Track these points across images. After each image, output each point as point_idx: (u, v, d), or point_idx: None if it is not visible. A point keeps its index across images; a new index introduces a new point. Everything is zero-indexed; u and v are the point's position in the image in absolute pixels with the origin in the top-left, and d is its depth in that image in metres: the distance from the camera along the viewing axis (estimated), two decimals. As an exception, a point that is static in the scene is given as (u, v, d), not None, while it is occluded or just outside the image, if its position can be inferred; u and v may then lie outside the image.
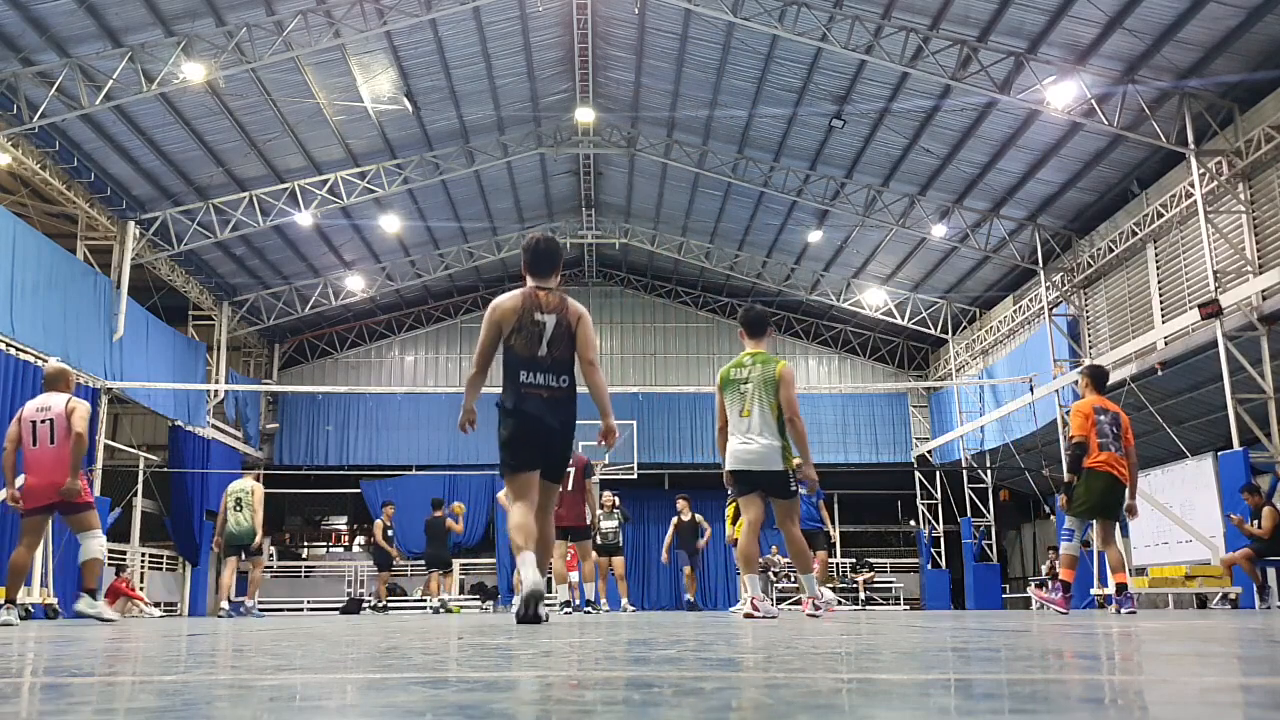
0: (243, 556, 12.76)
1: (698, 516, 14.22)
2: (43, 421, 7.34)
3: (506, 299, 5.20)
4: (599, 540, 12.40)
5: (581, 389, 5.17)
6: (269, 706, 1.50)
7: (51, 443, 7.29)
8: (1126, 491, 8.22)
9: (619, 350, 25.10)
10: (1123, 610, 8.03)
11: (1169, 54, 12.67)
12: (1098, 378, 8.59)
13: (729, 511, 12.07)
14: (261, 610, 12.91)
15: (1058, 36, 13.03)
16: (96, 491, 15.33)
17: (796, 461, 6.67)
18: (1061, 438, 16.90)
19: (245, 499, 12.75)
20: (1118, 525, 8.44)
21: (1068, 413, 16.65)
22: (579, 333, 5.18)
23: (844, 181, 18.28)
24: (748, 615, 6.84)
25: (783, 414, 6.53)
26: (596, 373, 5.20)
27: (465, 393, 5.33)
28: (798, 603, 16.00)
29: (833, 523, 14.38)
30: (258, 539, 12.73)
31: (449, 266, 22.43)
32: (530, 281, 5.25)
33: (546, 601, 5.08)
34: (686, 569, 14.11)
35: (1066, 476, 8.32)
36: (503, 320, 5.14)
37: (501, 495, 9.99)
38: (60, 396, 7.49)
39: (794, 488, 6.64)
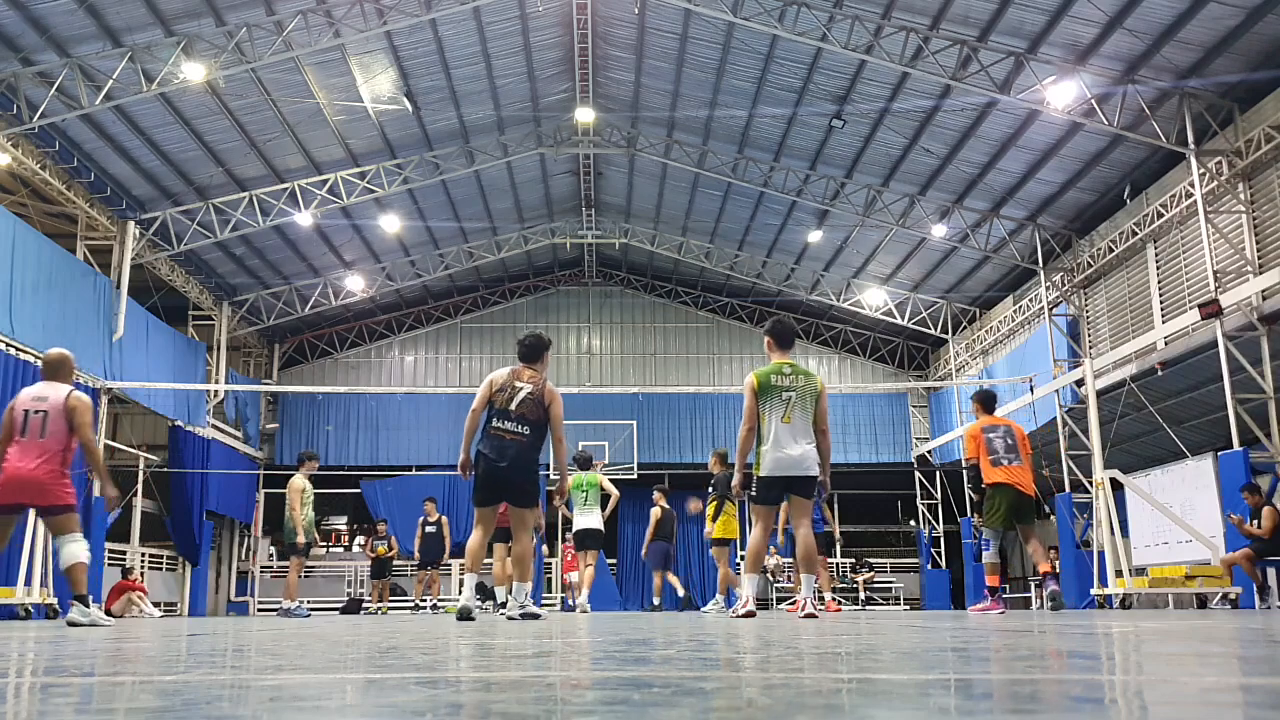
0: (307, 554, 12.82)
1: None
2: (37, 412, 6.68)
3: (499, 372, 7.07)
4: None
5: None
6: (269, 706, 1.50)
7: (42, 435, 6.63)
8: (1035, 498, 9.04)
9: (619, 350, 25.10)
10: (1046, 594, 8.89)
11: (1169, 54, 12.67)
12: (985, 401, 9.41)
13: (709, 509, 12.01)
14: (309, 610, 12.83)
15: (1058, 36, 13.02)
16: (96, 491, 15.33)
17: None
18: (1061, 438, 16.92)
19: (287, 497, 12.73)
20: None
21: (1069, 410, 16.81)
22: (552, 411, 6.92)
23: (844, 181, 18.27)
24: (748, 614, 6.90)
25: (818, 424, 6.87)
26: (562, 445, 7.06)
27: (465, 438, 6.90)
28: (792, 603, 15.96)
29: (834, 522, 14.16)
30: (299, 537, 12.64)
31: (449, 266, 22.42)
32: (520, 364, 7.11)
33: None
34: (668, 573, 13.69)
35: (975, 496, 9.20)
36: (494, 382, 6.95)
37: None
38: (60, 387, 6.86)
39: (818, 492, 6.98)
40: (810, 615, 6.78)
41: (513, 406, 6.80)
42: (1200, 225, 13.54)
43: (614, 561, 22.78)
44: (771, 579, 20.21)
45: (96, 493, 6.98)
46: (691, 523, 17.01)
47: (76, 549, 6.70)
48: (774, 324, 7.16)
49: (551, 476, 7.03)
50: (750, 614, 6.92)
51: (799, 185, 18.52)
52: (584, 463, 12.58)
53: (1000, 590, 9.21)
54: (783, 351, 7.03)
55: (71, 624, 6.52)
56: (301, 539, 12.82)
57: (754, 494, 6.92)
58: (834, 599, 12.42)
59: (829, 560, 13.29)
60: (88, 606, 6.66)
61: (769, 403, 6.79)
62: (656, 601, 13.73)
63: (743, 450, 6.90)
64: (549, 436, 7.05)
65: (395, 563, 18.45)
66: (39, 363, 7.09)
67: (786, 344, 7.06)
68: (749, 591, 7.05)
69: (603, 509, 12.26)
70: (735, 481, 7.07)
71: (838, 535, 12.89)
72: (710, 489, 12.05)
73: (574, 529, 12.51)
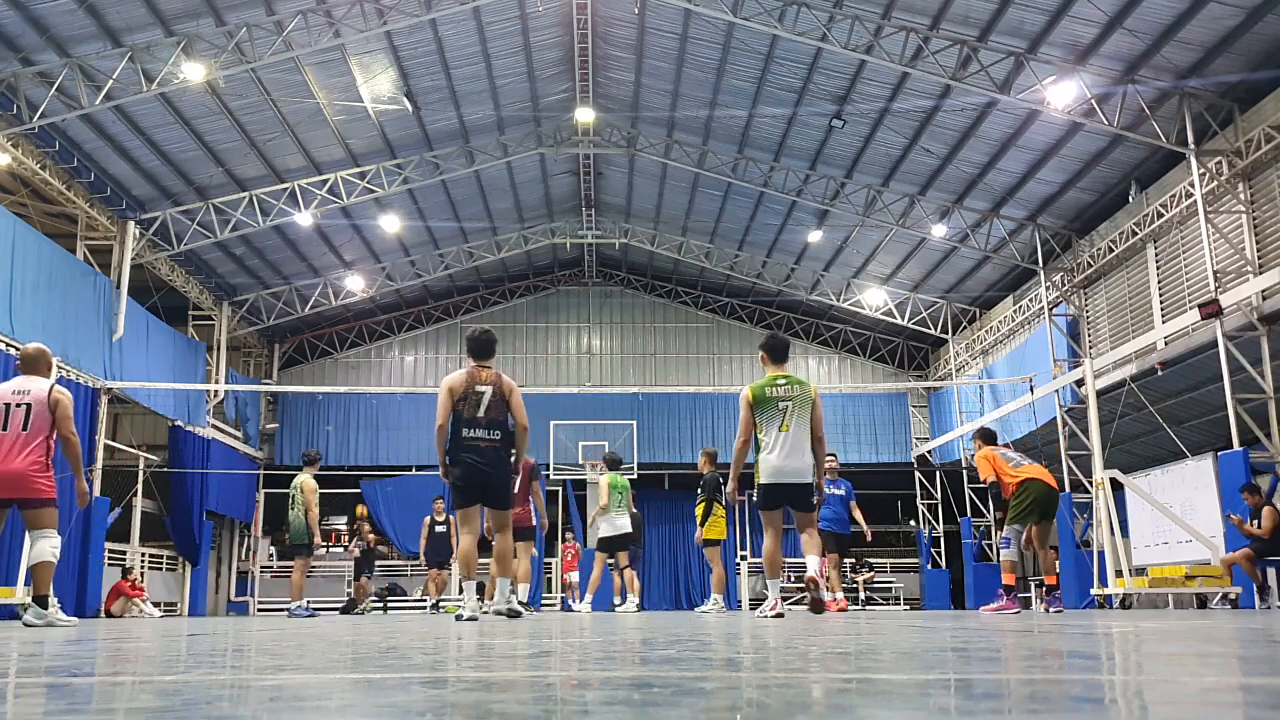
0: (310, 554, 12.81)
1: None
2: (18, 405, 6.61)
3: (454, 377, 6.89)
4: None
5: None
6: (269, 706, 1.50)
7: (24, 428, 6.56)
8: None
9: (619, 350, 25.09)
10: (1051, 610, 9.08)
11: (1169, 54, 12.67)
12: (989, 437, 10.03)
13: (699, 511, 12.01)
14: (310, 610, 12.78)
15: (1058, 36, 13.02)
16: (96, 491, 15.33)
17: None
18: (1061, 438, 16.91)
19: (296, 496, 12.68)
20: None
21: (1069, 410, 16.80)
22: (512, 401, 6.90)
23: (844, 181, 18.27)
24: (778, 616, 7.09)
25: (814, 431, 7.07)
26: (525, 435, 7.01)
27: (437, 447, 6.86)
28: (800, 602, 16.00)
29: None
30: (316, 538, 12.61)
31: (449, 266, 22.42)
32: (471, 362, 6.99)
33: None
34: (627, 571, 13.59)
35: (999, 514, 9.56)
36: (453, 390, 6.80)
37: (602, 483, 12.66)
38: (41, 381, 6.79)
39: (814, 499, 7.21)
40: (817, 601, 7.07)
41: (481, 414, 6.80)
42: (1200, 225, 13.54)
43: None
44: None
45: (85, 491, 6.89)
46: (690, 522, 16.96)
47: (46, 547, 6.56)
48: (769, 339, 7.45)
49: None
50: (780, 615, 7.13)
51: (799, 185, 18.52)
52: (614, 463, 12.58)
53: (1014, 589, 9.37)
54: (777, 365, 7.29)
55: (27, 625, 6.38)
56: (319, 539, 12.85)
57: (756, 500, 7.13)
58: (834, 598, 12.39)
59: (842, 559, 13.51)
60: (46, 608, 6.50)
61: (766, 414, 7.03)
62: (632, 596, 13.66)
63: (737, 461, 7.17)
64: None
65: (395, 563, 18.41)
66: (16, 356, 6.98)
67: (781, 358, 7.32)
68: (775, 594, 7.28)
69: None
70: (730, 489, 7.33)
71: (869, 536, 13.16)
72: (699, 490, 12.03)
73: (607, 533, 12.45)
